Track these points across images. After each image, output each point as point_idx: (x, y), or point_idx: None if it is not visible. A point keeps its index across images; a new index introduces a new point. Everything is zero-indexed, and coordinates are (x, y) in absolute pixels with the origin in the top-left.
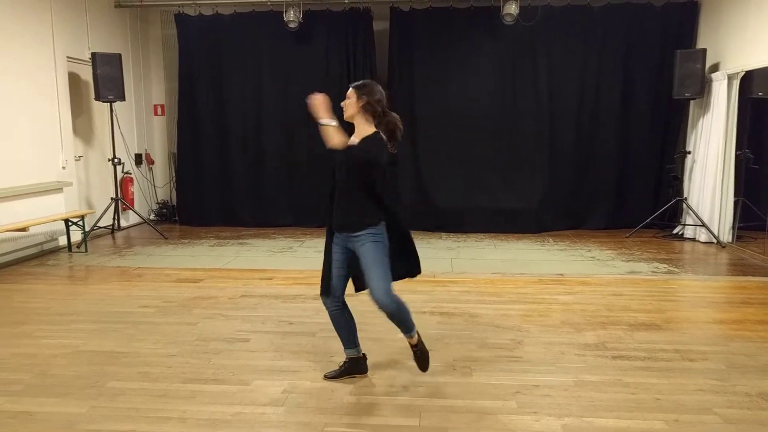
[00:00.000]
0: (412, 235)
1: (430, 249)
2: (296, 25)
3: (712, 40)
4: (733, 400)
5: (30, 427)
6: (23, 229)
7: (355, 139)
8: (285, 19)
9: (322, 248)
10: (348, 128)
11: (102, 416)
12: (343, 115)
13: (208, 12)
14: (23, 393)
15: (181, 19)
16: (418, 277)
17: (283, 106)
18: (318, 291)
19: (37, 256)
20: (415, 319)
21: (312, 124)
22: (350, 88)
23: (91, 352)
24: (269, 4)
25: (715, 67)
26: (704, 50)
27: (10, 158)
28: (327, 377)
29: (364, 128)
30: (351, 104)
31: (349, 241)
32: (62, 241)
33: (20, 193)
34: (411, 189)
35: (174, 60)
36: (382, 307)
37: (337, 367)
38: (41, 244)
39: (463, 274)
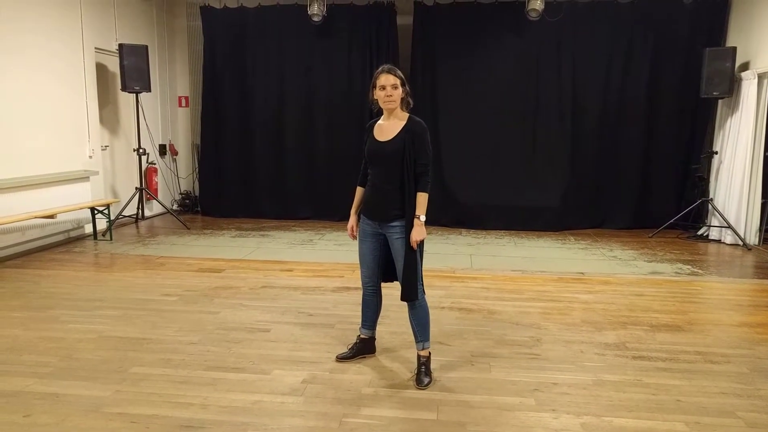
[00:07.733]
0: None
1: (450, 245)
2: (320, 18)
3: (743, 38)
4: (756, 404)
5: (57, 409)
6: (51, 217)
7: (387, 125)
8: (309, 12)
9: (342, 242)
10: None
11: (126, 400)
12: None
13: (233, 5)
14: (51, 375)
15: (206, 12)
16: (438, 272)
17: (306, 100)
18: (337, 283)
19: (63, 243)
20: (434, 314)
21: (333, 119)
22: (393, 76)
23: (115, 338)
24: None
25: (744, 66)
26: (734, 48)
27: (39, 147)
28: (340, 359)
29: (400, 114)
30: (398, 95)
31: (384, 229)
32: (88, 228)
33: (48, 181)
34: (431, 184)
35: (199, 52)
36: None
37: (347, 349)
38: (68, 231)
39: (483, 271)
